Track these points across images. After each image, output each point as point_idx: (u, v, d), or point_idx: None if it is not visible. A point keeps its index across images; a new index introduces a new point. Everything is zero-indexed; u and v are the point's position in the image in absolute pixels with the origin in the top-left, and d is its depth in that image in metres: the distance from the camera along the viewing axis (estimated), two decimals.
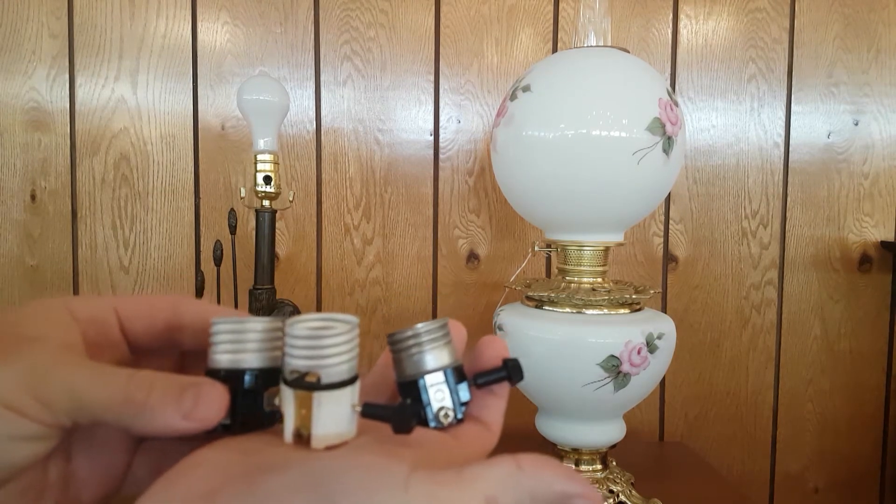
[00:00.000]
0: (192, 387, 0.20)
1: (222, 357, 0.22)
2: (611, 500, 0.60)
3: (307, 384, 0.20)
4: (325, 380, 0.20)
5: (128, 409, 0.19)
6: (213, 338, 0.22)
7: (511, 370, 0.24)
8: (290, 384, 0.20)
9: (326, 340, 0.20)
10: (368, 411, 0.21)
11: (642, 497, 0.62)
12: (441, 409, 0.23)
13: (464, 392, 0.23)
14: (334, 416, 0.20)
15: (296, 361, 0.20)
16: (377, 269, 0.85)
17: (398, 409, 0.21)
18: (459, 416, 0.23)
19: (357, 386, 0.21)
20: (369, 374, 0.26)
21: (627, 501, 0.61)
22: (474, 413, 0.24)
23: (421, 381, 0.23)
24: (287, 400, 0.20)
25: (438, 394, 0.23)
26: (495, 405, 0.24)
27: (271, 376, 0.22)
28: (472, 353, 0.25)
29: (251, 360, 0.22)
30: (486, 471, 0.19)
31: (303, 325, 0.21)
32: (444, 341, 0.23)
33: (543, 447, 0.68)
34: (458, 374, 0.23)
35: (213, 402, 0.20)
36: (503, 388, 0.24)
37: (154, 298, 0.24)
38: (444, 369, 0.23)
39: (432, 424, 0.22)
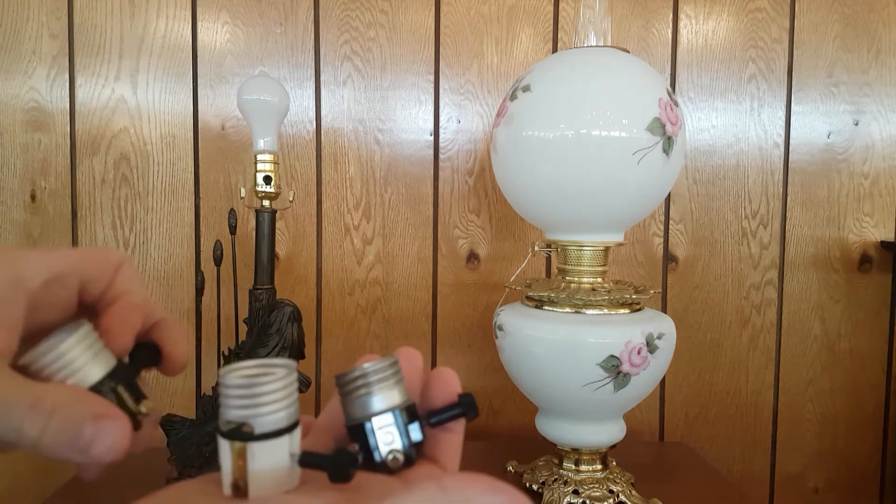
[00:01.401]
0: (92, 422, 0.19)
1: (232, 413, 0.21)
2: (611, 500, 0.60)
3: (242, 435, 0.19)
4: (260, 429, 0.19)
5: (22, 442, 0.19)
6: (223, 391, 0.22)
7: (466, 406, 0.23)
8: (224, 435, 0.19)
9: (260, 388, 0.20)
10: (306, 460, 0.20)
11: (642, 497, 0.62)
12: (390, 452, 0.22)
13: (415, 433, 0.22)
14: (271, 465, 0.20)
15: (230, 412, 0.20)
16: (377, 269, 0.85)
17: (335, 456, 0.20)
18: (411, 458, 0.22)
19: (297, 433, 0.21)
20: (321, 414, 0.25)
21: (627, 501, 0.61)
22: (428, 453, 0.23)
23: (368, 425, 0.22)
24: (224, 451, 0.20)
25: (387, 436, 0.22)
26: (450, 443, 0.24)
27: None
28: (424, 389, 0.24)
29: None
30: (410, 498, 0.18)
31: (236, 374, 0.20)
32: (394, 380, 0.23)
33: (543, 447, 0.68)
34: (409, 413, 0.22)
35: (111, 441, 0.19)
36: (458, 425, 0.24)
37: (105, 252, 0.24)
38: (392, 410, 0.22)
39: (381, 469, 0.22)
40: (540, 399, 0.63)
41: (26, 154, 0.81)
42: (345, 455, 0.20)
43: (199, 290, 0.65)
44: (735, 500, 0.67)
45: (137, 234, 0.82)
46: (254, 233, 0.63)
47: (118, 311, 0.23)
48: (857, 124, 0.88)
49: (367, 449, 0.22)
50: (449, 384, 0.24)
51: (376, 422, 0.22)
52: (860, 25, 0.87)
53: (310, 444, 0.23)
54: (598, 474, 0.63)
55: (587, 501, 0.60)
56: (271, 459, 0.20)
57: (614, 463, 0.66)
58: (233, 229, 0.64)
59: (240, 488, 0.19)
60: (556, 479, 0.63)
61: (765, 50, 0.87)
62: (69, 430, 0.19)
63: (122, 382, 0.23)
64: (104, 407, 0.19)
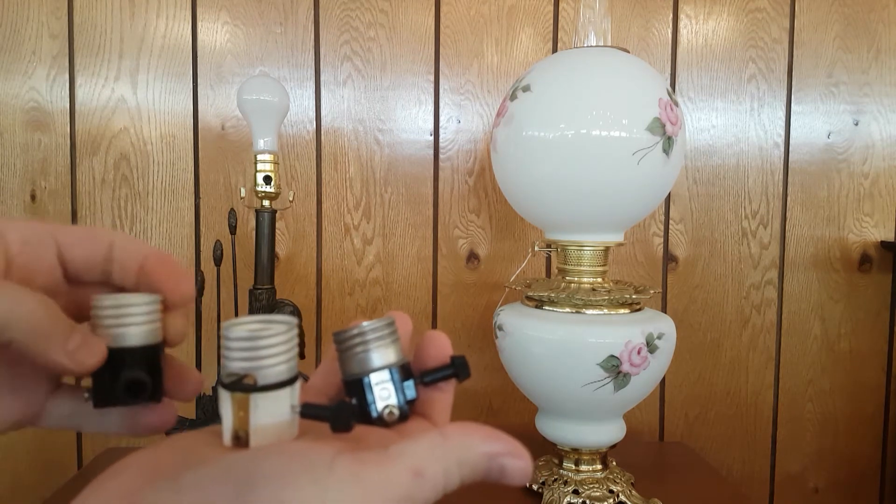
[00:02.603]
0: (79, 332, 0.22)
1: (107, 332, 0.23)
2: (611, 500, 0.60)
3: (244, 386, 0.20)
4: (262, 381, 0.20)
5: (34, 331, 0.21)
6: (95, 312, 0.23)
7: (458, 367, 0.24)
8: (226, 387, 0.20)
9: (263, 342, 0.20)
10: (307, 411, 0.21)
11: (642, 497, 0.62)
12: (386, 406, 0.23)
13: (409, 390, 0.23)
14: (272, 417, 0.20)
15: (232, 364, 0.20)
16: (377, 269, 0.85)
17: (337, 408, 0.21)
18: (405, 413, 0.23)
19: (297, 386, 0.21)
20: (316, 372, 0.26)
21: (627, 501, 0.61)
22: (420, 410, 0.24)
23: (366, 380, 0.23)
24: (224, 402, 0.20)
25: (384, 392, 0.23)
26: (442, 401, 0.24)
27: (151, 353, 0.23)
28: (417, 350, 0.25)
29: (133, 337, 0.23)
30: (411, 445, 0.19)
31: (239, 328, 0.21)
32: (391, 339, 0.23)
33: (543, 447, 0.68)
34: (404, 371, 0.23)
35: (92, 351, 0.22)
36: (449, 385, 0.25)
37: (95, 230, 0.25)
38: (389, 367, 0.23)
39: (377, 422, 0.22)
40: (540, 399, 0.63)
41: (26, 154, 0.81)
42: (346, 406, 0.21)
43: (199, 290, 0.65)
44: (735, 500, 0.67)
45: (137, 234, 0.82)
46: (254, 233, 0.63)
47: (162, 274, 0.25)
48: (857, 124, 0.88)
49: (365, 403, 0.23)
50: (442, 346, 0.25)
51: (374, 377, 0.23)
52: (860, 25, 0.87)
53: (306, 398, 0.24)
54: (598, 474, 0.63)
55: (587, 501, 0.60)
56: (273, 411, 0.20)
57: (614, 463, 0.66)
58: (233, 229, 0.64)
59: (241, 439, 0.20)
60: (556, 479, 0.63)
61: (765, 50, 0.87)
62: (65, 329, 0.22)
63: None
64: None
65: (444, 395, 0.25)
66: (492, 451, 0.19)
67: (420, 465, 0.18)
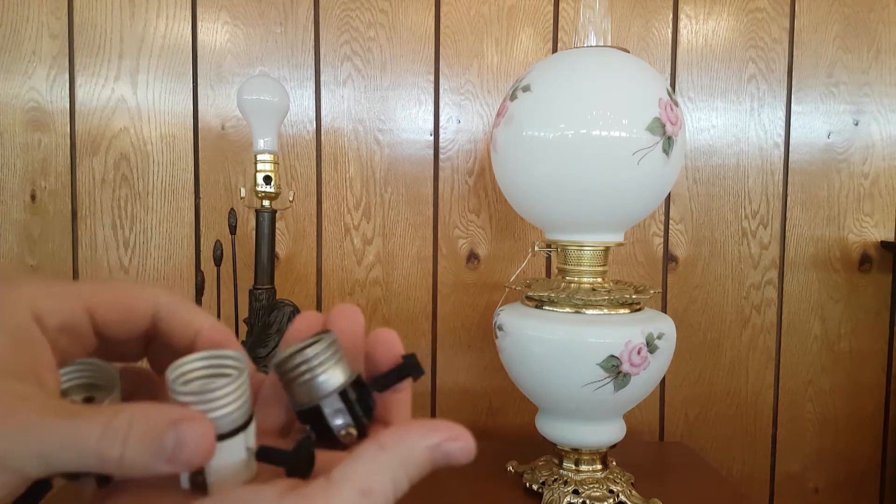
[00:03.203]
0: (171, 427, 0.18)
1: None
2: (611, 500, 0.60)
3: None
4: (216, 431, 0.19)
5: (103, 466, 0.18)
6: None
7: (411, 367, 0.23)
8: None
9: (213, 394, 0.19)
10: (263, 457, 0.21)
11: (642, 497, 0.62)
12: (343, 430, 0.22)
13: (365, 405, 0.22)
14: (228, 461, 0.20)
15: None
16: (377, 269, 0.85)
17: (292, 454, 0.20)
18: (364, 429, 0.22)
19: (252, 427, 0.21)
20: (264, 386, 0.25)
21: (627, 501, 0.61)
22: (380, 416, 0.24)
23: (318, 408, 0.22)
24: None
25: (337, 415, 0.22)
26: (400, 402, 0.24)
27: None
28: (367, 352, 0.24)
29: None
30: (352, 465, 0.19)
31: (186, 376, 0.20)
32: (335, 358, 0.22)
33: (543, 447, 0.68)
34: (356, 387, 0.22)
35: (197, 443, 0.18)
36: (405, 383, 0.24)
37: (133, 296, 0.23)
38: (340, 390, 0.22)
39: (338, 447, 0.22)
40: (540, 399, 0.63)
41: (26, 154, 0.81)
42: (302, 449, 0.21)
43: (199, 290, 0.65)
44: (735, 500, 0.67)
45: (137, 234, 0.82)
46: (254, 233, 0.63)
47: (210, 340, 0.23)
48: (857, 124, 0.88)
49: (321, 431, 0.22)
50: (390, 346, 0.24)
51: (326, 405, 0.22)
52: (860, 25, 0.87)
53: (260, 416, 0.23)
54: (598, 474, 0.63)
55: (587, 501, 0.60)
56: (228, 456, 0.20)
57: (614, 463, 0.66)
58: (233, 229, 0.64)
59: (198, 483, 0.20)
60: (556, 479, 0.63)
61: (765, 50, 0.87)
62: (150, 440, 0.18)
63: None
64: (180, 411, 0.19)
65: (401, 396, 0.24)
66: (432, 443, 0.20)
67: (366, 484, 0.18)
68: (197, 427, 0.18)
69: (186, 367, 0.20)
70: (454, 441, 0.20)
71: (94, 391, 0.22)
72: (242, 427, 0.20)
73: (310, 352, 0.22)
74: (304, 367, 0.22)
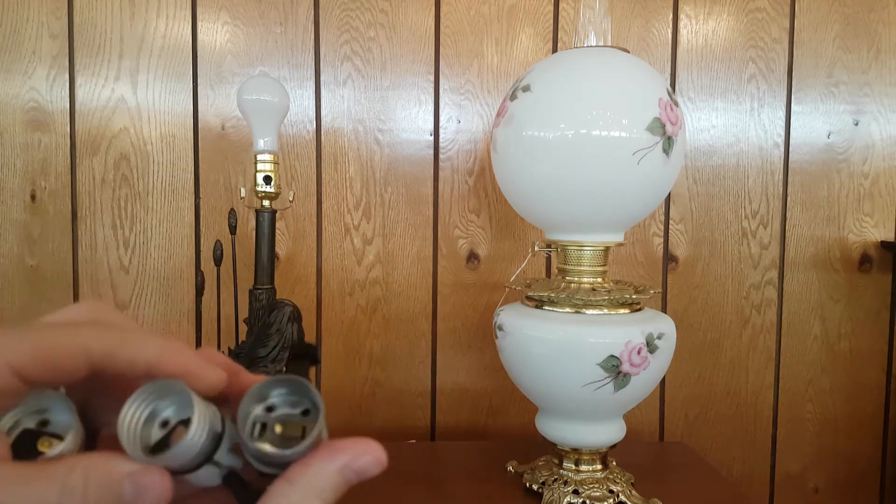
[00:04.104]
0: (128, 481, 0.19)
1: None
2: (611, 500, 0.60)
3: None
4: (183, 467, 0.20)
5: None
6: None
7: (308, 353, 0.23)
8: None
9: (165, 457, 0.19)
10: (228, 483, 0.21)
11: (642, 497, 0.62)
12: (255, 484, 0.21)
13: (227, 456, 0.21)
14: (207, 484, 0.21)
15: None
16: (377, 269, 0.85)
17: (252, 495, 0.21)
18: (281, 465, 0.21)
19: (223, 443, 0.21)
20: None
21: (627, 501, 0.61)
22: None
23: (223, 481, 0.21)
24: None
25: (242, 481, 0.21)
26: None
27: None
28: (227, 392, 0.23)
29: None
30: None
31: (131, 429, 0.20)
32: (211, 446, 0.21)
33: (543, 447, 0.68)
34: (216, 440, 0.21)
35: (156, 489, 0.19)
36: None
37: (58, 352, 0.20)
38: (223, 469, 0.21)
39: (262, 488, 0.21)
40: (540, 399, 0.63)
41: (26, 154, 0.81)
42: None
43: (199, 290, 0.65)
44: (735, 500, 0.67)
45: (137, 234, 0.82)
46: (254, 233, 0.63)
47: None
48: (857, 124, 0.88)
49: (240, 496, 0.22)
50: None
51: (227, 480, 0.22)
52: (860, 25, 0.87)
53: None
54: (598, 474, 0.63)
55: (587, 501, 0.60)
56: (205, 480, 0.21)
57: (614, 463, 0.66)
58: (233, 229, 0.64)
59: None
60: (556, 479, 0.63)
61: (765, 50, 0.87)
62: (108, 493, 0.18)
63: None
64: (131, 463, 0.19)
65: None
66: (339, 465, 0.20)
67: None
68: (154, 473, 0.19)
69: (128, 420, 0.20)
70: (361, 456, 0.20)
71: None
72: (209, 457, 0.20)
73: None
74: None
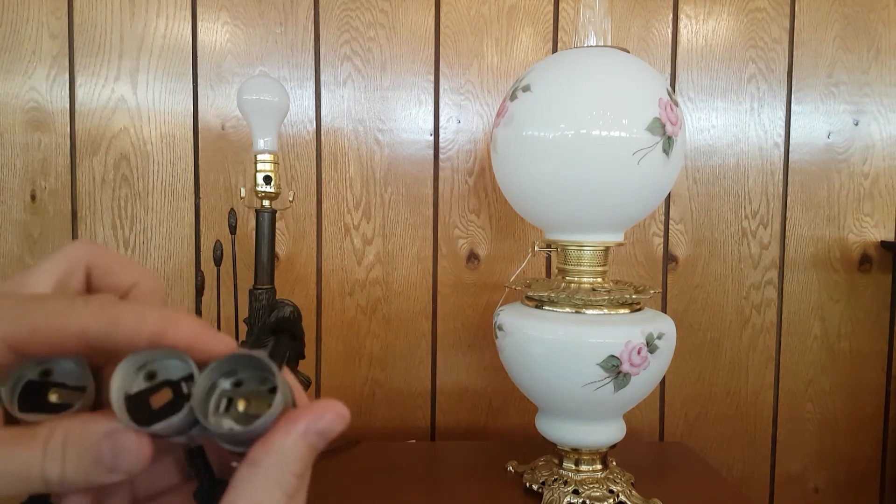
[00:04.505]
0: (107, 439, 0.18)
1: None
2: (611, 500, 0.60)
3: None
4: (169, 432, 0.20)
5: (47, 486, 0.18)
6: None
7: (289, 327, 0.22)
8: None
9: (155, 428, 0.19)
10: (192, 459, 0.21)
11: (642, 497, 0.62)
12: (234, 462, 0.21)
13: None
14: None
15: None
16: (377, 269, 0.85)
17: (211, 483, 0.21)
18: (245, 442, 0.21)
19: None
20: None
21: (627, 501, 0.61)
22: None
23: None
24: None
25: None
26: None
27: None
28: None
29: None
30: (233, 494, 0.19)
31: (123, 389, 0.19)
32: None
33: (543, 447, 0.68)
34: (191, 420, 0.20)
35: (134, 450, 0.19)
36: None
37: (57, 332, 0.19)
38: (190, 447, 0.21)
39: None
40: (540, 399, 0.63)
41: (26, 154, 0.81)
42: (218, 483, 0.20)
43: (199, 290, 0.65)
44: (735, 500, 0.67)
45: (137, 234, 0.82)
46: (254, 233, 0.63)
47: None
48: (857, 124, 0.88)
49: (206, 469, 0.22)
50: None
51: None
52: (860, 25, 0.87)
53: None
54: (598, 474, 0.63)
55: (587, 501, 0.60)
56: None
57: (614, 463, 0.66)
58: (233, 229, 0.64)
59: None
60: (556, 479, 0.63)
61: (765, 50, 0.87)
62: (88, 455, 0.18)
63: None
64: (110, 422, 0.19)
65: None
66: (300, 430, 0.19)
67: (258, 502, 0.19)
68: (132, 434, 0.19)
69: (120, 384, 0.19)
70: (321, 417, 0.19)
71: (49, 364, 0.20)
72: (193, 424, 0.20)
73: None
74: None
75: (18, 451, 0.18)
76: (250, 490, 0.19)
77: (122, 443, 0.18)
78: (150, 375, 0.20)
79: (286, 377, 0.22)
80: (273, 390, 0.20)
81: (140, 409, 0.19)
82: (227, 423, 0.20)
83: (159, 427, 0.19)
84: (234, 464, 0.20)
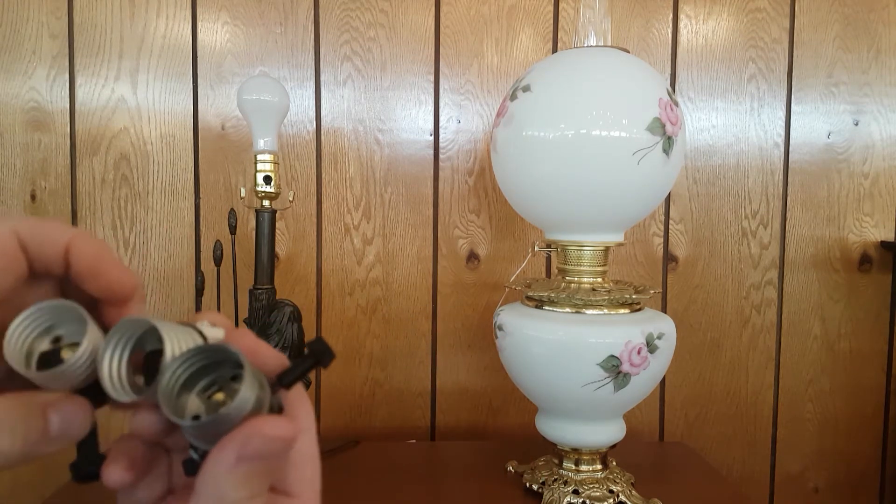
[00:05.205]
0: (50, 411, 0.19)
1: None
2: (611, 500, 0.60)
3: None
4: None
5: (9, 461, 0.19)
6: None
7: (320, 354, 0.21)
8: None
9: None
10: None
11: (642, 497, 0.62)
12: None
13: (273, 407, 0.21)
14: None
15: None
16: (377, 269, 0.85)
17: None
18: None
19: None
20: None
21: (627, 501, 0.61)
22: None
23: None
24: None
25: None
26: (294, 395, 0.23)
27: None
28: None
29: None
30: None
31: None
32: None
33: (543, 447, 0.68)
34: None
35: (78, 416, 0.20)
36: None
37: (53, 227, 0.21)
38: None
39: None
40: (540, 399, 0.63)
41: (26, 154, 0.81)
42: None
43: (199, 290, 0.65)
44: (735, 500, 0.67)
45: (137, 234, 0.82)
46: (254, 233, 0.63)
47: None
48: (857, 124, 0.88)
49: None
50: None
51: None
52: (860, 25, 0.87)
53: None
54: (598, 474, 0.63)
55: (587, 501, 0.60)
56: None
57: (614, 463, 0.66)
58: (233, 229, 0.64)
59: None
60: (556, 479, 0.63)
61: (765, 50, 0.87)
62: (35, 428, 0.19)
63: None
64: (46, 395, 0.20)
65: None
66: (230, 461, 0.18)
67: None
68: (75, 401, 0.20)
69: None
70: (252, 437, 0.18)
71: (59, 330, 0.21)
72: (92, 378, 0.20)
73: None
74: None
75: None
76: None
77: (68, 409, 0.19)
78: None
79: (297, 390, 0.21)
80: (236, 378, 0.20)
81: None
82: (199, 410, 0.19)
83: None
84: (192, 452, 0.20)
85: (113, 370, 0.20)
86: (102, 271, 0.21)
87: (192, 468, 0.20)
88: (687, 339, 0.88)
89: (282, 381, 0.21)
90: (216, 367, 0.20)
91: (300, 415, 0.22)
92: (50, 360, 0.20)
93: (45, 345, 0.20)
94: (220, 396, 0.20)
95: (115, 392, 0.20)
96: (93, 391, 0.20)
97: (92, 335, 0.20)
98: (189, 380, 0.20)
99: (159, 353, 0.20)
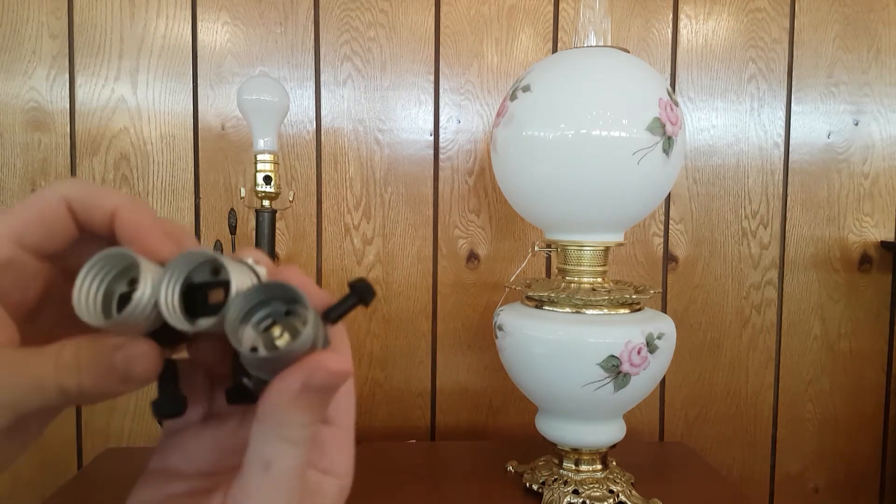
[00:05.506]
0: (118, 349, 0.20)
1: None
2: (611, 500, 0.60)
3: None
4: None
5: (66, 398, 0.20)
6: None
7: (363, 292, 0.22)
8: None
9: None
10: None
11: (642, 497, 0.62)
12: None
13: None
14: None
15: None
16: (377, 269, 0.85)
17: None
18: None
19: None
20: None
21: (627, 501, 0.61)
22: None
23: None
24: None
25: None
26: (337, 334, 0.23)
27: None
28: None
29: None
30: (249, 448, 0.20)
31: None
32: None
33: (543, 447, 0.68)
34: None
35: (145, 359, 0.20)
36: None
37: (47, 207, 0.22)
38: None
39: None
40: (540, 399, 0.63)
41: (26, 154, 0.81)
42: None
43: None
44: (735, 500, 0.67)
45: None
46: (254, 233, 0.63)
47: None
48: (857, 124, 0.88)
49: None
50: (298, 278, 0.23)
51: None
52: (860, 25, 0.87)
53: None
54: (598, 474, 0.63)
55: (587, 501, 0.60)
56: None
57: (614, 463, 0.66)
58: (233, 229, 0.64)
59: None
60: (556, 479, 0.63)
61: (765, 50, 0.87)
62: (101, 366, 0.20)
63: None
64: (113, 338, 0.20)
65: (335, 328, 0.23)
66: (295, 388, 0.19)
67: (263, 458, 0.19)
68: (141, 344, 0.20)
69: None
70: (317, 371, 0.19)
71: (132, 274, 0.21)
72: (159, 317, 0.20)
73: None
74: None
75: (30, 366, 0.20)
76: (257, 445, 0.20)
77: (133, 352, 0.20)
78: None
79: (338, 326, 0.22)
80: (288, 314, 0.21)
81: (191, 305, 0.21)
82: (256, 342, 0.20)
83: (205, 323, 0.20)
84: (245, 380, 0.21)
85: (168, 301, 0.20)
86: (140, 240, 0.21)
87: (238, 396, 0.21)
88: (687, 339, 0.88)
89: (327, 317, 0.22)
90: (269, 301, 0.21)
91: (343, 349, 0.23)
92: (125, 302, 0.21)
93: (122, 287, 0.21)
94: (276, 330, 0.21)
95: (172, 320, 0.20)
96: (164, 334, 0.21)
97: (149, 274, 0.20)
98: (248, 313, 0.21)
99: (207, 285, 0.21)
